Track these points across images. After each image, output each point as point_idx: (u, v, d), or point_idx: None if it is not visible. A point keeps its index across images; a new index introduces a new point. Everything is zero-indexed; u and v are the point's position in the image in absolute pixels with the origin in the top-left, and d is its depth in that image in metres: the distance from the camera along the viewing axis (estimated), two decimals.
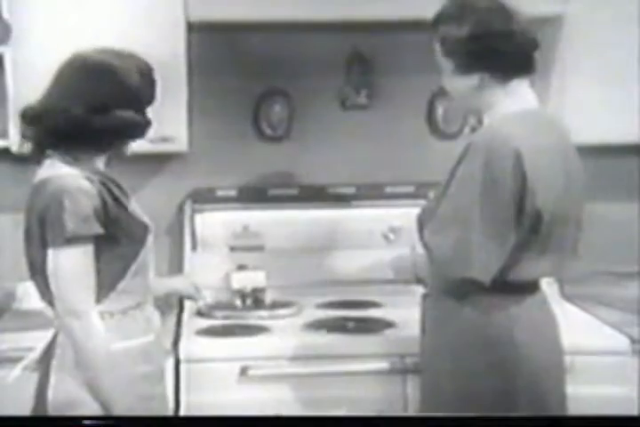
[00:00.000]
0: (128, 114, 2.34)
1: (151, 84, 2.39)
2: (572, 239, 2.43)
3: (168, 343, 2.74)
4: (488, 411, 2.32)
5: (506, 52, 2.35)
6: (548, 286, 2.57)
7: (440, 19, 2.39)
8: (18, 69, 2.94)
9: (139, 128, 2.38)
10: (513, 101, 2.39)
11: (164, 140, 2.93)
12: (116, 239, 2.28)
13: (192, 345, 2.75)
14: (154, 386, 2.38)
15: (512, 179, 2.27)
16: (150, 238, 2.37)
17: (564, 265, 2.44)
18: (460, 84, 2.42)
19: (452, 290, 2.38)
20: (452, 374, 2.39)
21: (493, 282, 2.32)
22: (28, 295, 3.04)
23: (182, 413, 2.70)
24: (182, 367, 2.71)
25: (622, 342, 2.73)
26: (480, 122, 2.50)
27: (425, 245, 2.39)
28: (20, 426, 2.11)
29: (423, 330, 2.50)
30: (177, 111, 2.99)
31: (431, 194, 3.33)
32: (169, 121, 2.89)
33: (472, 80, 2.38)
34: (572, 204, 2.42)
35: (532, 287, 2.41)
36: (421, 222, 2.42)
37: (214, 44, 3.24)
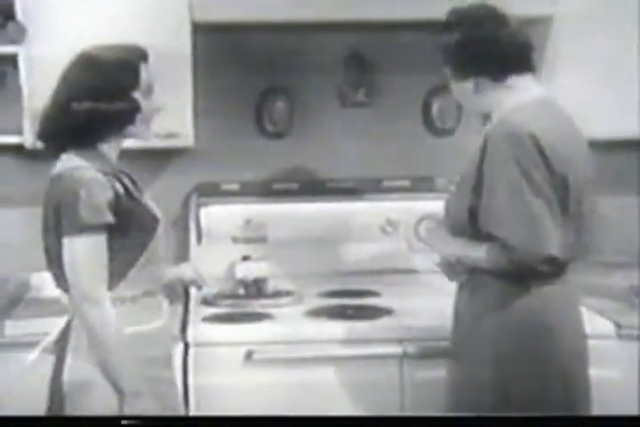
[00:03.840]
0: (109, 104, 2.34)
1: (137, 69, 2.37)
2: (590, 225, 2.47)
3: (176, 330, 2.80)
4: (522, 396, 2.36)
5: (494, 55, 2.39)
6: None
7: (442, 29, 2.46)
8: (32, 68, 2.99)
9: (124, 113, 2.37)
10: (517, 95, 2.42)
11: (171, 136, 2.98)
12: (126, 229, 2.33)
13: (199, 331, 2.81)
14: (162, 369, 2.42)
15: (538, 160, 2.30)
16: (160, 230, 2.42)
17: (588, 247, 2.51)
18: (460, 89, 2.47)
19: (505, 277, 2.37)
20: (492, 360, 2.39)
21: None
22: (42, 285, 3.12)
23: (190, 395, 2.76)
24: (190, 352, 2.77)
25: (608, 327, 2.79)
26: (490, 119, 2.52)
27: (490, 238, 2.36)
28: (21, 426, 2.16)
29: (457, 318, 2.51)
30: (183, 108, 3.04)
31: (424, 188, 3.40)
32: (175, 118, 2.92)
33: (469, 84, 2.43)
34: (590, 183, 2.45)
35: (564, 270, 2.43)
36: (474, 219, 2.40)
37: (218, 44, 3.27)
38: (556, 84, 2.93)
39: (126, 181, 2.39)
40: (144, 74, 2.37)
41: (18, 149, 3.07)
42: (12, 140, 3.05)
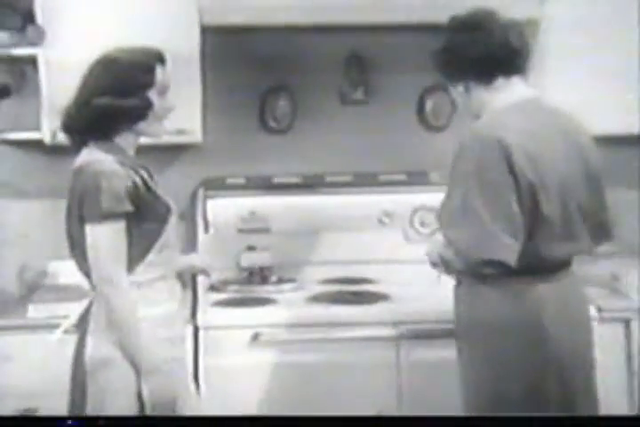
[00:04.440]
0: (125, 100, 2.40)
1: (153, 69, 2.44)
2: (596, 221, 2.44)
3: (187, 314, 2.92)
4: (521, 396, 2.35)
5: (480, 59, 2.41)
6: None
7: (435, 35, 2.49)
8: (50, 69, 3.07)
9: (138, 109, 2.43)
10: (505, 97, 2.42)
11: (181, 132, 3.04)
12: (143, 217, 2.40)
13: (208, 315, 2.94)
14: (174, 349, 2.50)
15: (502, 165, 2.29)
16: (173, 218, 2.51)
17: (590, 245, 2.45)
18: (454, 93, 2.51)
19: (481, 277, 2.36)
20: (486, 359, 2.40)
21: (519, 265, 2.30)
22: (59, 272, 3.26)
23: (200, 375, 2.87)
24: (200, 334, 2.88)
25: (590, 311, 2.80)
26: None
27: (448, 239, 2.38)
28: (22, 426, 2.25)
29: (457, 318, 2.50)
30: (192, 106, 3.11)
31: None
32: (185, 115, 2.95)
33: (460, 87, 2.46)
34: (582, 185, 2.41)
35: (559, 268, 2.41)
36: (439, 219, 2.43)
37: (225, 46, 3.33)
38: (544, 86, 2.93)
39: (143, 172, 2.48)
40: (160, 75, 2.45)
41: (37, 145, 3.15)
42: (32, 135, 3.13)
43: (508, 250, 2.28)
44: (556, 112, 2.46)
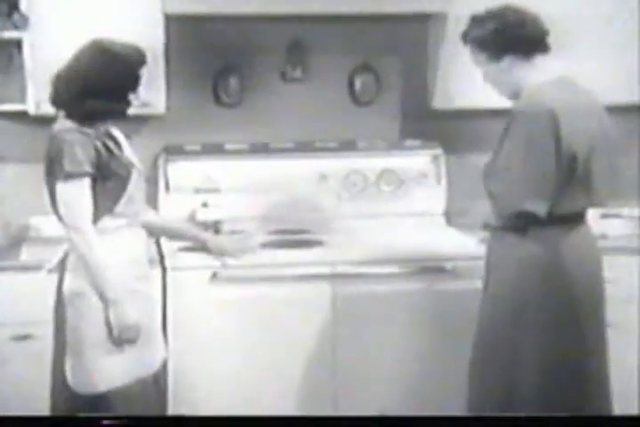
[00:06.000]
0: (109, 101, 2.62)
1: (140, 73, 2.67)
2: (608, 178, 2.60)
3: (156, 258, 3.19)
4: (536, 323, 2.50)
5: (521, 37, 2.59)
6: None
7: (469, 28, 2.67)
8: (34, 51, 3.27)
9: (118, 110, 2.67)
10: (541, 73, 2.59)
11: (147, 105, 3.19)
12: (106, 177, 2.62)
13: (175, 258, 3.22)
14: (138, 284, 2.71)
15: (549, 134, 2.45)
16: (135, 177, 2.70)
17: (603, 198, 2.63)
18: (494, 70, 2.63)
19: (513, 228, 2.54)
20: (510, 291, 2.55)
21: (548, 215, 2.49)
22: (41, 226, 3.51)
23: (169, 309, 3.16)
24: (168, 274, 3.18)
25: None
26: (517, 95, 2.67)
27: (489, 192, 2.57)
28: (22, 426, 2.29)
29: (488, 266, 2.68)
30: (157, 83, 3.32)
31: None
32: (151, 90, 3.17)
33: (503, 64, 2.61)
34: (604, 150, 2.58)
35: (577, 219, 2.60)
36: (485, 174, 2.59)
37: (185, 31, 3.53)
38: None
39: (107, 140, 2.67)
40: (142, 78, 2.68)
41: (22, 115, 3.37)
42: (17, 107, 3.35)
43: (541, 204, 2.48)
44: (581, 87, 2.63)
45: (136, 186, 2.74)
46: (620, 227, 3.47)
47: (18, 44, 3.35)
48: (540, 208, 2.49)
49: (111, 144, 2.72)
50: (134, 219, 2.77)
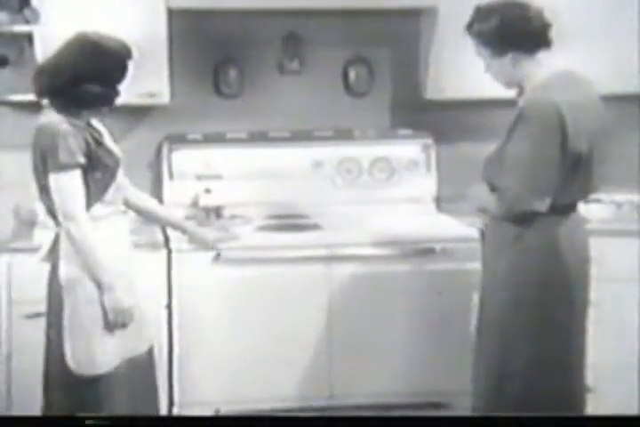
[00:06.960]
0: (98, 88, 2.62)
1: (127, 65, 2.68)
2: (598, 168, 2.63)
3: (162, 241, 3.33)
4: (532, 300, 2.53)
5: (525, 32, 2.57)
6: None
7: (472, 22, 2.65)
8: (44, 44, 3.33)
9: (107, 98, 2.68)
10: (545, 68, 2.58)
11: (151, 95, 3.38)
12: (96, 167, 2.68)
13: (180, 240, 3.34)
14: (125, 266, 2.75)
15: (556, 133, 2.47)
16: (122, 168, 2.75)
17: (593, 189, 2.66)
18: (497, 65, 2.61)
19: (513, 218, 2.57)
20: (509, 272, 2.58)
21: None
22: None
23: (174, 289, 3.29)
24: (173, 256, 3.33)
25: None
26: (522, 90, 2.67)
27: (493, 186, 2.59)
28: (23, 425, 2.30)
29: (484, 253, 2.73)
30: (161, 75, 3.46)
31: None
32: (155, 81, 3.38)
33: (506, 59, 2.59)
34: (603, 142, 2.60)
35: (570, 209, 2.63)
36: (487, 167, 2.61)
37: (187, 25, 3.64)
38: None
39: (94, 132, 2.72)
40: (128, 70, 2.69)
41: (33, 105, 3.22)
42: (28, 97, 3.19)
43: (542, 202, 2.54)
44: (581, 80, 2.64)
45: (121, 174, 2.81)
46: (599, 211, 3.55)
47: (29, 37, 3.47)
48: (543, 206, 2.55)
49: (96, 135, 2.77)
50: (121, 205, 2.85)
